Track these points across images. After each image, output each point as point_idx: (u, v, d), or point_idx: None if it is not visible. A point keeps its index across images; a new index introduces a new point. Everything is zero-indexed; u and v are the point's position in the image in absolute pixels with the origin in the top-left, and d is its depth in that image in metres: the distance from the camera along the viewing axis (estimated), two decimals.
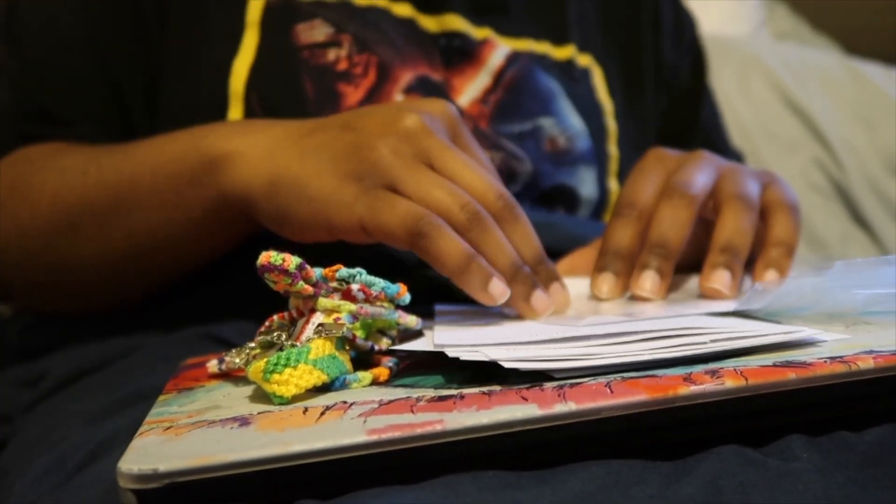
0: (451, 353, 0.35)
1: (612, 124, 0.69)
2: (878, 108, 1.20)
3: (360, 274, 0.38)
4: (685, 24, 0.78)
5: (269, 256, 0.35)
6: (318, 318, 0.36)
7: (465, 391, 0.32)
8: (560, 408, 0.29)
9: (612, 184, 0.68)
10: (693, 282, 0.50)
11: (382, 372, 0.36)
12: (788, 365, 0.31)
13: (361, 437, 0.28)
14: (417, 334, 0.42)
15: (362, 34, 0.59)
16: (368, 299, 0.38)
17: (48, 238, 0.54)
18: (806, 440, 0.30)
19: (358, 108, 0.51)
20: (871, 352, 0.32)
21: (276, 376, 0.33)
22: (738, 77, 1.21)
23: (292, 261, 0.36)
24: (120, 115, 0.59)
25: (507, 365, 0.33)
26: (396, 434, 0.28)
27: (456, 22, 0.62)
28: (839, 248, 1.11)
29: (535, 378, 0.33)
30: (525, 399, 0.30)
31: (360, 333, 0.37)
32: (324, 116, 0.49)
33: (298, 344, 0.35)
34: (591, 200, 0.66)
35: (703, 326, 0.36)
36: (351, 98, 0.57)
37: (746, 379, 0.30)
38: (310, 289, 0.37)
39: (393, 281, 0.39)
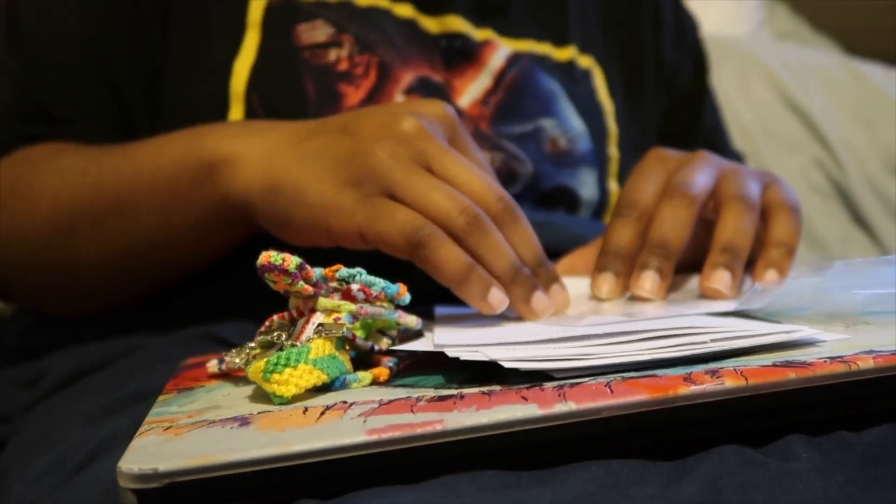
0: (451, 353, 0.35)
1: (612, 126, 0.69)
2: (878, 108, 1.20)
3: (360, 274, 0.38)
4: (686, 26, 0.78)
5: (269, 256, 0.35)
6: (318, 318, 0.36)
7: (465, 391, 0.32)
8: (560, 408, 0.29)
9: (613, 185, 0.68)
10: (693, 282, 0.50)
11: (382, 372, 0.36)
12: (788, 365, 0.31)
13: (361, 437, 0.28)
14: (417, 334, 0.42)
15: (363, 35, 0.59)
16: (368, 299, 0.38)
17: (48, 238, 0.54)
18: (806, 440, 0.30)
19: (356, 110, 0.51)
20: (871, 352, 0.32)
21: (276, 376, 0.33)
22: (738, 77, 1.21)
23: (292, 261, 0.36)
24: (120, 115, 0.59)
25: (507, 365, 0.33)
26: (396, 434, 0.28)
27: (457, 23, 0.62)
28: (839, 249, 1.11)
29: (535, 378, 0.33)
30: (525, 399, 0.30)
31: (360, 333, 0.37)
32: (324, 117, 0.49)
33: (298, 344, 0.35)
34: (592, 202, 0.66)
35: (703, 326, 0.36)
36: (352, 98, 0.57)
37: (746, 379, 0.30)
38: (310, 289, 0.37)
39: (393, 281, 0.39)
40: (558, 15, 0.68)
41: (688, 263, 0.51)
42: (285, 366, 0.33)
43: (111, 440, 0.42)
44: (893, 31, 1.49)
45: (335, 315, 0.36)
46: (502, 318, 0.44)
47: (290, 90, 0.57)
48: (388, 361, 0.38)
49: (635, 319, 0.41)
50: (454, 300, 0.44)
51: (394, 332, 0.40)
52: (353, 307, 0.37)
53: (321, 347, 0.35)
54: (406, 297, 0.40)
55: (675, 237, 0.47)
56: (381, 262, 0.43)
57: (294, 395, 0.33)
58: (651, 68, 0.74)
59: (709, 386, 0.30)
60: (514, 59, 0.64)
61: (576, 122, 0.65)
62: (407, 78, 0.59)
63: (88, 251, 0.54)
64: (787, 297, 0.39)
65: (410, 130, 0.45)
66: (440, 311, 0.47)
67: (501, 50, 0.64)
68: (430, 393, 0.33)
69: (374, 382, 0.36)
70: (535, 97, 0.64)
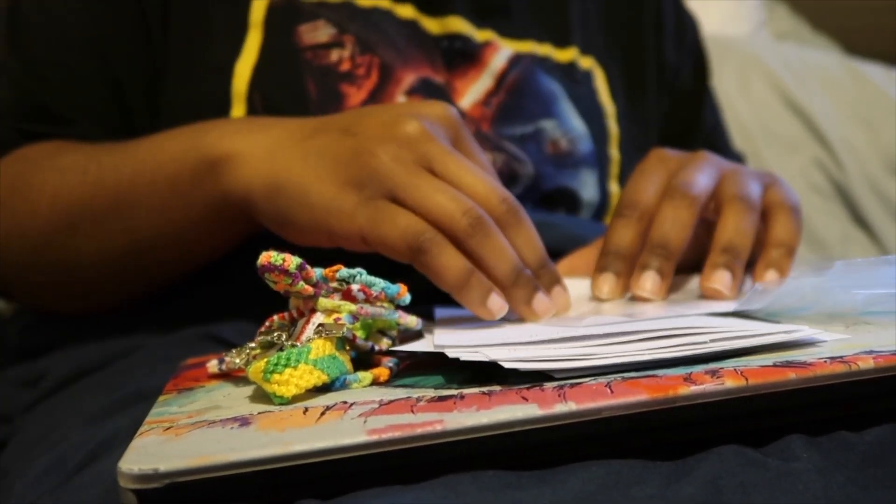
0: (451, 353, 0.35)
1: (613, 127, 0.69)
2: (878, 108, 1.20)
3: (361, 274, 0.38)
4: (687, 26, 0.78)
5: (269, 256, 0.35)
6: (318, 318, 0.36)
7: (465, 391, 0.32)
8: (560, 408, 0.29)
9: (613, 187, 0.68)
10: (694, 282, 0.50)
11: (383, 372, 0.36)
12: (788, 365, 0.31)
13: (362, 437, 0.28)
14: (418, 335, 0.42)
15: (365, 35, 0.59)
16: (369, 299, 0.38)
17: (48, 237, 0.54)
18: (806, 440, 0.30)
19: (359, 109, 0.50)
20: (871, 352, 0.32)
21: (276, 376, 0.33)
22: (739, 77, 1.21)
23: (292, 261, 0.36)
24: (120, 114, 0.59)
25: (507, 365, 0.33)
26: (396, 434, 0.28)
27: (458, 24, 0.62)
28: (839, 249, 1.11)
29: (536, 378, 0.33)
30: (525, 399, 0.30)
31: (360, 334, 0.37)
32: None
33: (299, 344, 0.35)
34: (593, 203, 0.66)
35: (703, 326, 0.36)
36: (353, 99, 0.57)
37: (746, 379, 0.30)
38: (310, 289, 0.37)
39: (393, 281, 0.39)
40: (559, 16, 0.68)
41: (688, 264, 0.51)
42: (285, 366, 0.33)
43: (111, 440, 0.42)
44: (893, 31, 1.49)
45: (335, 315, 0.36)
46: (503, 319, 0.44)
47: (291, 90, 0.57)
48: (389, 362, 0.38)
49: (636, 320, 0.41)
50: (454, 301, 0.44)
51: (394, 333, 0.40)
52: (353, 307, 0.37)
53: (321, 348, 0.35)
54: (406, 298, 0.40)
55: (675, 238, 0.47)
56: (382, 263, 0.43)
57: (294, 395, 0.33)
58: (653, 70, 0.74)
59: (709, 386, 0.30)
60: (516, 61, 0.64)
61: (577, 124, 0.65)
62: (408, 79, 0.59)
63: (89, 249, 0.54)
64: (787, 297, 0.39)
65: (413, 132, 0.45)
66: (440, 311, 0.47)
67: (503, 51, 0.64)
68: (431, 393, 0.33)
69: (375, 383, 0.36)
70: (536, 98, 0.64)
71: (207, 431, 0.31)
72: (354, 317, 0.37)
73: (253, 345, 0.38)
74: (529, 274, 0.44)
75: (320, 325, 0.36)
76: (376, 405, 0.32)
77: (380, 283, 0.38)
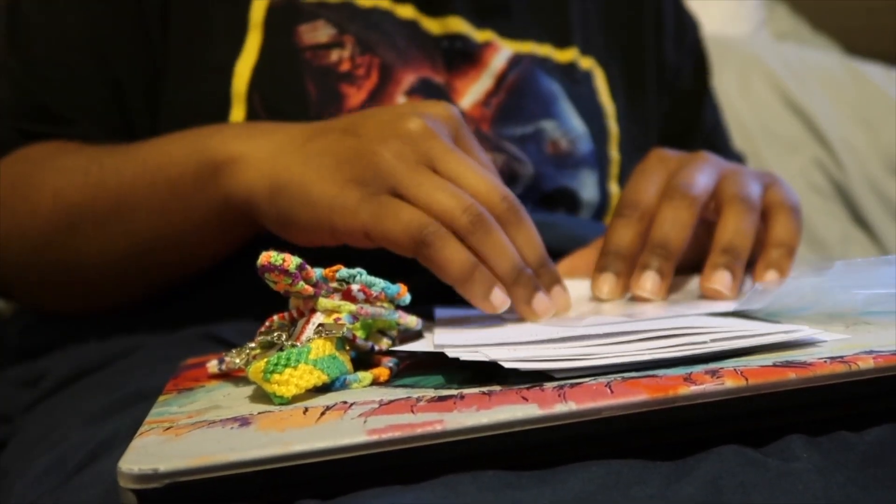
0: (451, 353, 0.35)
1: (613, 127, 0.69)
2: (878, 108, 1.20)
3: (361, 274, 0.38)
4: (687, 27, 0.78)
5: (269, 257, 0.35)
6: (318, 318, 0.36)
7: (465, 391, 0.32)
8: (560, 408, 0.29)
9: (613, 187, 0.68)
10: (694, 282, 0.50)
11: (383, 372, 0.36)
12: (788, 365, 0.31)
13: (361, 437, 0.28)
14: (417, 335, 0.42)
15: (365, 35, 0.59)
16: (369, 300, 0.38)
17: (48, 237, 0.54)
18: (806, 440, 0.30)
19: (360, 111, 0.51)
20: (871, 352, 0.32)
21: (276, 376, 0.33)
22: (739, 77, 1.21)
23: (292, 261, 0.36)
24: (120, 114, 0.59)
25: (507, 365, 0.33)
26: (396, 434, 0.28)
27: (458, 24, 0.62)
28: (839, 249, 1.11)
29: (536, 378, 0.33)
30: (525, 399, 0.30)
31: (360, 334, 0.37)
32: (326, 117, 0.49)
33: (299, 344, 0.35)
34: (592, 204, 0.66)
35: (703, 326, 0.36)
36: (353, 99, 0.57)
37: (746, 379, 0.30)
38: (310, 289, 0.37)
39: (393, 281, 0.39)
40: (560, 16, 0.68)
41: (688, 264, 0.51)
42: (285, 366, 0.33)
43: (111, 440, 0.42)
44: (893, 31, 1.49)
45: (335, 315, 0.36)
46: (502, 318, 0.44)
47: (291, 91, 0.57)
48: (389, 362, 0.38)
49: (636, 320, 0.41)
50: (454, 301, 0.44)
51: (394, 333, 0.40)
52: (353, 307, 0.37)
53: (321, 348, 0.35)
54: (406, 298, 0.40)
55: (675, 238, 0.47)
56: (382, 263, 0.43)
57: (294, 395, 0.33)
58: (653, 70, 0.74)
59: (709, 386, 0.30)
60: (516, 61, 0.64)
61: (577, 124, 0.65)
62: (408, 79, 0.59)
63: (89, 250, 0.54)
64: (787, 297, 0.39)
65: (415, 130, 0.45)
66: (440, 311, 0.47)
67: (503, 51, 0.64)
68: (430, 393, 0.33)
69: (375, 383, 0.36)
70: (536, 99, 0.64)
71: (207, 431, 0.31)
72: (354, 317, 0.37)
73: (253, 345, 0.38)
74: (530, 273, 0.44)
75: (320, 325, 0.36)
76: (376, 405, 0.32)
77: (380, 284, 0.38)
